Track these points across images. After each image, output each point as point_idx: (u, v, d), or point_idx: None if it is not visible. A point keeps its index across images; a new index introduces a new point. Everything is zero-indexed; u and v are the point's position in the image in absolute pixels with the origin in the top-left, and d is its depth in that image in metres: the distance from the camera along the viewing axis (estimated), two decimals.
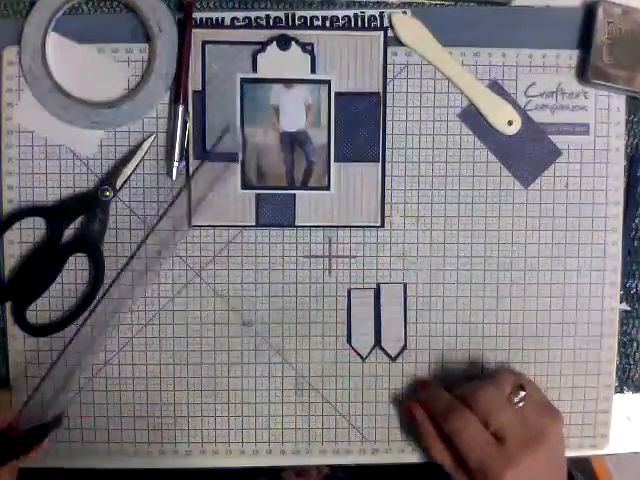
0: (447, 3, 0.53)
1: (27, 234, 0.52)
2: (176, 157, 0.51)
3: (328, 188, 0.53)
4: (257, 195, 0.53)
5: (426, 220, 0.54)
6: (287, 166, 0.53)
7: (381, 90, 0.53)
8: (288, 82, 0.52)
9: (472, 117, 0.54)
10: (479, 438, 0.47)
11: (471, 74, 0.53)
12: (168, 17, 0.51)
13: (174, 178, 0.52)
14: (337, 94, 0.53)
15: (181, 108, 0.51)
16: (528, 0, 0.54)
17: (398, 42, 0.53)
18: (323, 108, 0.53)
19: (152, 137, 0.52)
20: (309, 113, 0.53)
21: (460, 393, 0.49)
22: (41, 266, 0.51)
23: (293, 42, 0.52)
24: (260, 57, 0.52)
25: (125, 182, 0.52)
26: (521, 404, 0.48)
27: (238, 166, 0.52)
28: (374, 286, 0.54)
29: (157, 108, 0.52)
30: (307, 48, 0.52)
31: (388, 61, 0.53)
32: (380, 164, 0.53)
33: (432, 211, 0.54)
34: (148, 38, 0.51)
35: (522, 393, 0.48)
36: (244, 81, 0.52)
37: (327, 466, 0.51)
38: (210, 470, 0.54)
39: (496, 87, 0.53)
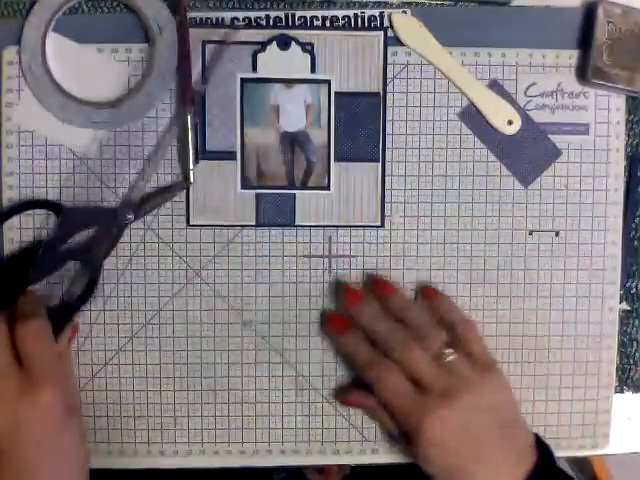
0: (447, 3, 0.53)
1: (28, 226, 0.52)
2: (191, 161, 0.51)
3: (328, 188, 0.53)
4: (257, 195, 0.53)
5: (426, 220, 0.54)
6: (287, 166, 0.53)
7: (381, 90, 0.53)
8: (288, 82, 0.52)
9: (472, 117, 0.54)
10: (399, 388, 0.48)
11: (471, 74, 0.53)
12: (168, 17, 0.51)
13: (192, 182, 0.52)
14: (337, 94, 0.53)
15: (189, 115, 0.51)
16: (528, 0, 0.54)
17: (398, 42, 0.53)
18: (323, 108, 0.53)
19: (184, 190, 0.52)
20: (309, 113, 0.53)
21: (384, 345, 0.49)
22: (34, 261, 0.50)
23: (293, 42, 0.52)
24: (260, 57, 0.52)
25: (145, 213, 0.51)
26: (449, 360, 0.48)
27: (238, 165, 0.52)
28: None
29: (157, 108, 0.52)
30: (307, 48, 0.52)
31: (388, 61, 0.53)
32: (380, 164, 0.53)
33: (432, 211, 0.54)
34: (148, 38, 0.52)
35: (449, 352, 0.48)
36: (244, 81, 0.52)
37: (349, 466, 0.52)
38: (229, 469, 0.54)
39: (496, 87, 0.53)
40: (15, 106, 0.52)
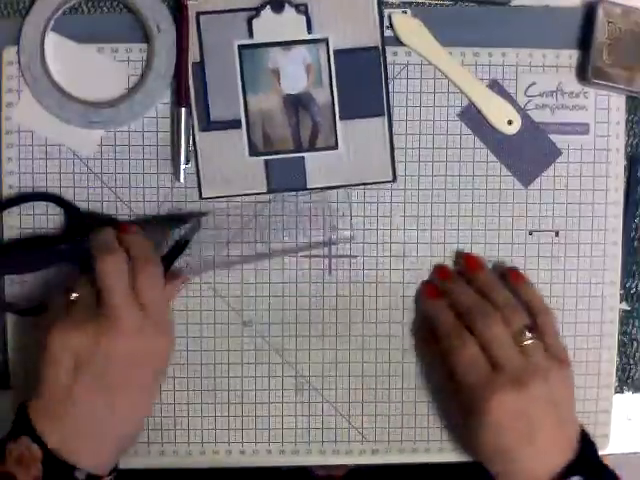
0: (447, 3, 0.53)
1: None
2: (182, 160, 0.51)
3: (336, 147, 0.53)
4: (265, 161, 0.52)
5: (426, 220, 0.54)
6: (293, 129, 0.52)
7: (379, 44, 0.52)
8: (286, 44, 0.52)
9: (472, 117, 0.53)
10: (473, 361, 0.48)
11: (471, 74, 0.53)
12: (167, 17, 0.51)
13: (182, 181, 0.52)
14: (336, 51, 0.52)
15: (184, 111, 0.51)
16: (528, 0, 0.54)
17: (398, 42, 0.53)
18: (323, 67, 0.52)
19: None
20: (310, 73, 0.52)
21: (467, 315, 0.49)
22: (33, 251, 0.51)
23: (286, 4, 0.51)
24: (255, 22, 0.51)
25: None
26: (526, 343, 0.48)
27: (244, 132, 0.52)
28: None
29: (157, 108, 0.52)
30: (301, 9, 0.51)
31: (388, 61, 0.53)
32: (386, 117, 0.52)
33: (432, 211, 0.54)
34: (148, 38, 0.51)
35: (528, 336, 0.48)
36: (242, 47, 0.52)
37: None
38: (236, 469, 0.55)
39: (496, 87, 0.53)
40: (15, 106, 0.52)
